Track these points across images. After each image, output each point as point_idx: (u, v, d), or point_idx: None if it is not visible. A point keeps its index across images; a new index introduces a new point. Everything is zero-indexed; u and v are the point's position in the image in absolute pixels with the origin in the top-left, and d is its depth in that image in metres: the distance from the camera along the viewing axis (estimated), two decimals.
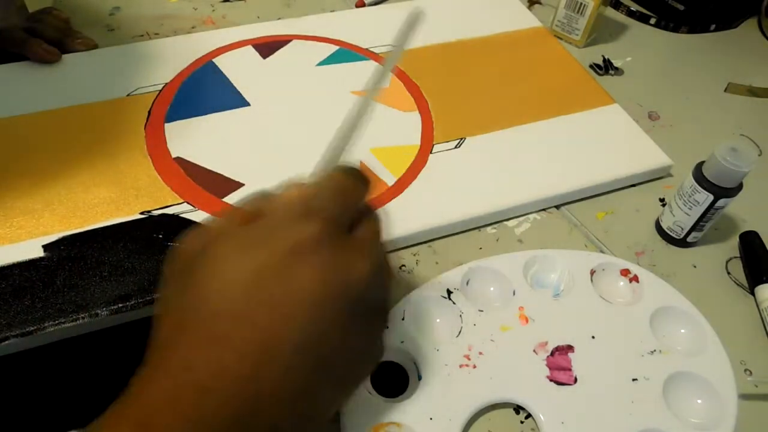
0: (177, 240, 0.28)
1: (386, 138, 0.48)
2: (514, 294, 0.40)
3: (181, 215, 0.41)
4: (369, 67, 0.54)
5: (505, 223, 0.45)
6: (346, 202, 0.28)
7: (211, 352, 0.25)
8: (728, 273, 0.45)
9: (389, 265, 0.31)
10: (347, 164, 0.30)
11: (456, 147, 0.49)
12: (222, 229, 0.27)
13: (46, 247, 0.39)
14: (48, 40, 0.51)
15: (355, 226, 0.29)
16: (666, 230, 0.45)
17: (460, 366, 0.36)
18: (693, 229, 0.44)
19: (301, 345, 0.25)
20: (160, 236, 0.40)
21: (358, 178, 0.29)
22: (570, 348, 0.38)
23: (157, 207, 0.42)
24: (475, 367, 0.36)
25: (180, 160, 0.45)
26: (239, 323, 0.25)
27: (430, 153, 0.48)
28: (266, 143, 0.47)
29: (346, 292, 0.27)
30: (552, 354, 0.37)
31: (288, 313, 0.25)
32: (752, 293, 0.43)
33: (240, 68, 0.53)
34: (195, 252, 0.27)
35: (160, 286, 0.28)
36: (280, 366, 0.25)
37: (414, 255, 0.43)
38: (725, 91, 0.60)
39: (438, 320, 0.38)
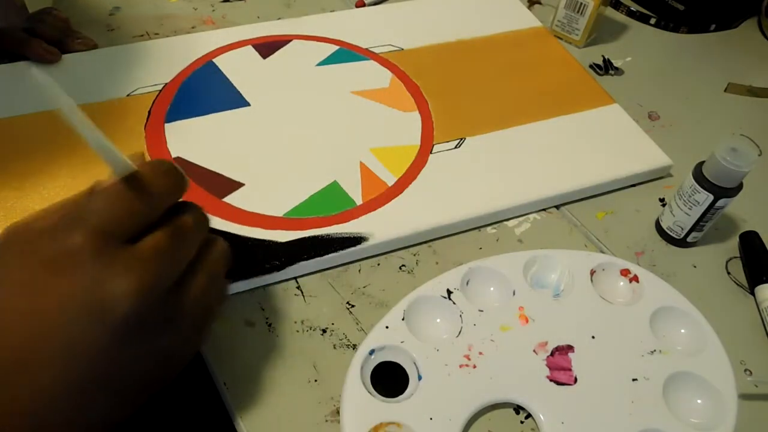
0: None
1: (386, 138, 0.49)
2: (514, 294, 0.40)
3: None
4: (369, 67, 0.55)
5: (505, 223, 0.45)
6: (119, 210, 0.26)
7: None
8: (728, 273, 0.45)
9: (206, 273, 0.29)
10: (135, 170, 0.27)
11: (456, 147, 0.49)
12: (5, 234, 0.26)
13: None
14: (48, 40, 0.51)
15: (141, 236, 0.27)
16: (666, 230, 0.45)
17: (460, 366, 0.36)
18: (693, 229, 0.44)
19: (62, 363, 0.24)
20: None
21: (137, 185, 0.27)
22: (570, 348, 0.38)
23: None
24: (475, 367, 0.36)
25: (180, 160, 0.45)
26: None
27: (430, 153, 0.48)
28: (266, 143, 0.47)
29: (107, 310, 0.25)
30: (552, 354, 0.37)
31: (44, 328, 0.24)
32: (752, 293, 0.43)
33: (240, 68, 0.53)
34: None
35: None
36: (40, 386, 0.24)
37: (414, 255, 0.43)
38: (725, 91, 0.60)
39: (438, 320, 0.38)
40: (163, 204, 0.28)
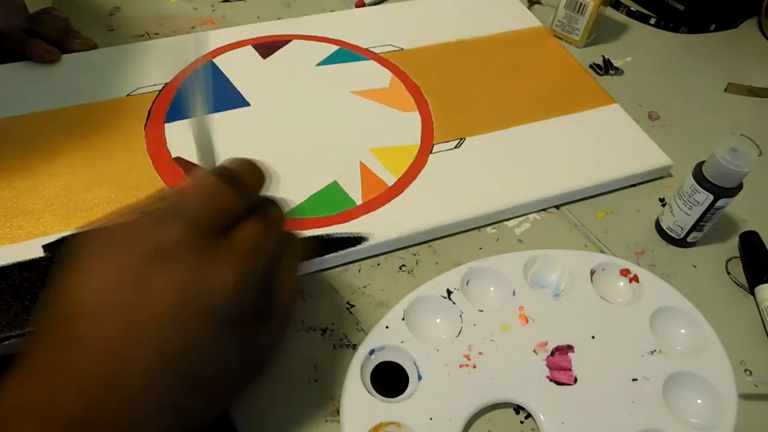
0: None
1: (386, 138, 0.49)
2: (514, 294, 0.40)
3: None
4: (369, 67, 0.55)
5: (505, 223, 0.45)
6: (214, 204, 0.27)
7: (65, 355, 0.24)
8: (728, 273, 0.45)
9: (288, 267, 0.30)
10: (223, 165, 0.28)
11: (456, 147, 0.49)
12: (96, 231, 0.26)
13: (46, 247, 0.39)
14: (48, 40, 0.51)
15: (232, 228, 0.27)
16: (666, 230, 0.45)
17: (460, 366, 0.36)
18: (693, 229, 0.44)
19: (159, 356, 0.25)
20: None
21: (230, 179, 0.27)
22: (570, 348, 0.38)
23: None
24: (475, 367, 0.36)
25: (180, 160, 0.45)
26: (92, 326, 0.24)
27: (430, 153, 0.48)
28: (266, 143, 0.47)
29: (206, 302, 0.25)
30: (552, 354, 0.37)
31: (142, 321, 0.24)
32: (752, 293, 0.43)
33: (240, 68, 0.53)
34: (76, 250, 0.26)
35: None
36: (137, 376, 0.24)
37: (414, 255, 0.43)
38: (725, 91, 0.60)
39: (438, 320, 0.38)
40: (252, 197, 0.29)
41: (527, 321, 0.39)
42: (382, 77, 0.54)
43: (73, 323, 0.24)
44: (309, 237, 0.32)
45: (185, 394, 0.26)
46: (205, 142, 0.27)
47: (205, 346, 0.26)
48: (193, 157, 0.45)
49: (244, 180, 0.28)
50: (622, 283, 0.42)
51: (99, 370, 0.24)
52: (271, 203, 0.30)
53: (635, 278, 0.41)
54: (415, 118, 0.51)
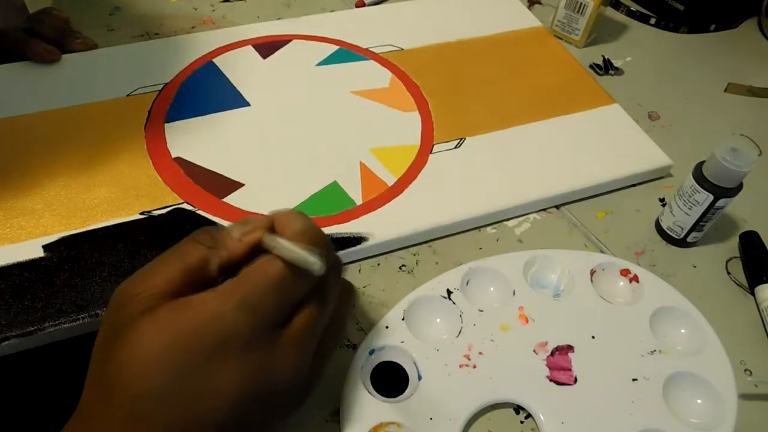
0: (121, 283, 0.27)
1: (386, 138, 0.48)
2: (514, 294, 0.40)
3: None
4: (369, 67, 0.54)
5: (505, 223, 0.45)
6: (281, 297, 0.27)
7: (134, 428, 0.25)
8: (728, 273, 0.45)
9: (334, 335, 0.30)
10: (294, 250, 0.27)
11: (456, 147, 0.49)
12: (153, 296, 0.26)
13: (46, 247, 0.39)
14: (48, 40, 0.51)
15: (294, 313, 0.28)
16: (666, 230, 0.45)
17: (460, 366, 0.36)
18: (693, 229, 0.44)
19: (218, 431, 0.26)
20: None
21: (298, 271, 0.27)
22: (570, 348, 0.38)
23: (157, 207, 0.42)
24: (475, 367, 0.36)
25: (180, 160, 0.45)
26: (159, 409, 0.25)
27: (430, 153, 0.48)
28: (266, 143, 0.47)
29: (266, 388, 0.27)
30: (552, 354, 0.37)
31: (208, 410, 0.25)
32: (752, 293, 0.43)
33: (240, 68, 0.53)
34: (130, 314, 0.26)
35: (100, 326, 0.27)
36: None
37: (414, 255, 0.43)
38: (725, 91, 0.60)
39: (438, 320, 0.38)
40: (315, 282, 0.28)
41: (527, 321, 0.39)
42: (382, 77, 0.54)
43: (139, 401, 0.25)
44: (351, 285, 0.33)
45: None
46: (293, 253, 0.27)
47: (257, 421, 0.27)
48: (194, 156, 0.45)
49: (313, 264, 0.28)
50: (622, 283, 0.42)
51: None
52: (332, 275, 0.30)
53: (635, 278, 0.41)
54: (415, 118, 0.51)
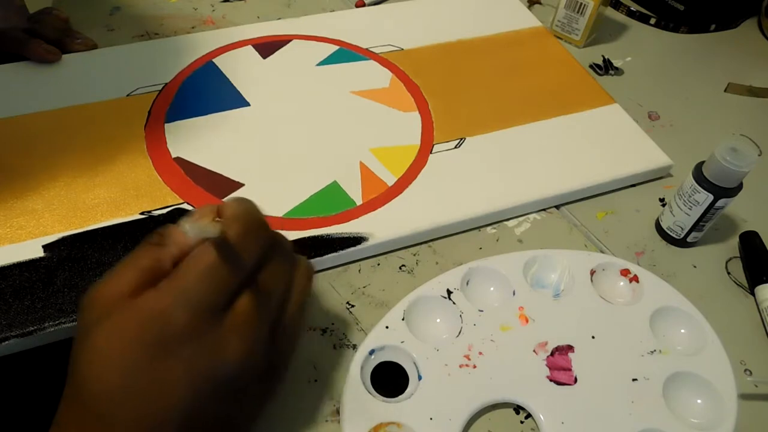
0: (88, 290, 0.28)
1: (386, 138, 0.49)
2: (514, 294, 0.40)
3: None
4: (369, 67, 0.55)
5: (505, 223, 0.45)
6: (215, 284, 0.27)
7: (99, 428, 0.26)
8: (728, 273, 0.45)
9: (286, 322, 0.30)
10: (221, 234, 0.27)
11: (456, 147, 0.49)
12: (109, 301, 0.27)
13: (46, 247, 0.39)
14: (48, 40, 0.51)
15: (235, 297, 0.28)
16: (666, 230, 0.45)
17: (460, 366, 0.36)
18: (693, 229, 0.44)
19: (181, 425, 0.27)
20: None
21: (228, 254, 0.27)
22: (570, 348, 0.38)
23: (157, 207, 0.42)
24: (475, 367, 0.36)
25: (180, 160, 0.45)
26: (116, 407, 0.26)
27: (430, 153, 0.48)
28: (266, 143, 0.47)
29: (218, 374, 0.27)
30: (552, 354, 0.37)
31: (160, 405, 0.26)
32: (752, 293, 0.43)
33: (240, 68, 0.53)
34: (89, 320, 0.27)
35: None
36: None
37: (414, 255, 0.43)
38: (725, 91, 0.60)
39: (438, 320, 0.38)
40: (253, 264, 0.29)
41: (527, 321, 0.39)
42: (382, 77, 0.54)
43: (99, 402, 0.26)
44: (305, 242, 0.32)
45: None
46: (195, 229, 0.27)
47: (216, 407, 0.28)
48: (194, 156, 0.45)
49: (244, 247, 0.28)
50: (622, 283, 0.42)
51: None
52: (275, 251, 0.30)
53: (635, 278, 0.41)
54: (415, 118, 0.51)
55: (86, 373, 0.26)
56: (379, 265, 0.42)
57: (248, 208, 0.30)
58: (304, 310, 0.32)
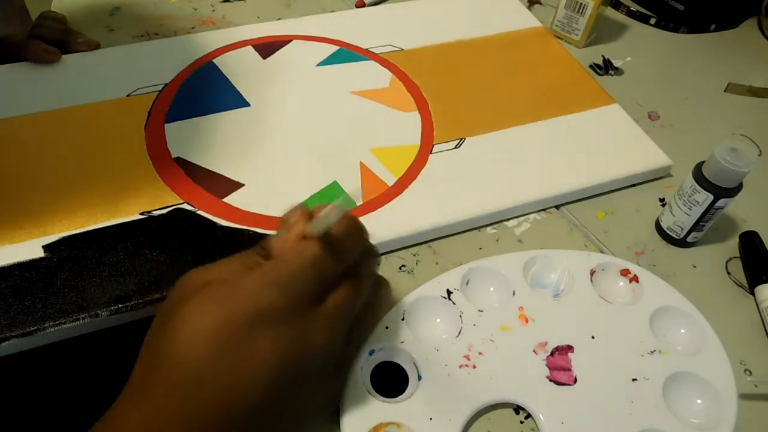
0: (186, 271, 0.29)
1: (386, 138, 0.49)
2: (513, 294, 0.40)
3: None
4: (369, 67, 0.55)
5: (505, 223, 0.45)
6: (316, 275, 0.29)
7: (175, 397, 0.26)
8: (728, 273, 0.45)
9: (366, 321, 0.32)
10: (327, 230, 0.29)
11: (456, 147, 0.49)
12: (206, 283, 0.28)
13: (46, 247, 0.39)
14: (49, 41, 0.51)
15: (328, 292, 0.30)
16: (666, 230, 0.45)
17: (460, 366, 0.36)
18: (693, 229, 0.44)
19: (257, 407, 0.27)
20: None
21: (332, 248, 0.29)
22: (570, 348, 0.38)
23: (157, 207, 0.42)
24: (475, 367, 0.36)
25: (180, 160, 0.45)
26: (200, 375, 0.26)
27: (430, 153, 0.48)
28: (266, 143, 0.47)
29: (301, 361, 0.28)
30: (552, 354, 0.37)
31: (247, 380, 0.27)
32: (752, 293, 0.43)
33: (240, 68, 0.53)
34: (183, 296, 0.28)
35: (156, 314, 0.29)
36: (237, 425, 0.27)
37: (414, 255, 0.43)
38: (725, 91, 0.60)
39: (438, 320, 0.38)
40: (348, 263, 0.30)
41: (527, 321, 0.39)
42: (382, 77, 0.54)
43: (184, 371, 0.26)
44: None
45: (271, 429, 0.29)
46: (328, 221, 0.29)
47: (293, 394, 0.29)
48: (194, 156, 0.45)
49: (345, 249, 0.30)
50: (621, 283, 0.42)
51: (205, 414, 0.26)
52: (367, 260, 0.32)
53: (635, 278, 0.41)
54: (415, 118, 0.51)
55: (173, 341, 0.27)
56: (379, 265, 0.42)
57: (347, 212, 0.31)
58: (374, 318, 0.34)
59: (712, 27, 0.67)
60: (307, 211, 0.31)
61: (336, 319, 0.30)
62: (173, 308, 0.28)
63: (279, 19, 0.59)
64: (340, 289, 0.30)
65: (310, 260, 0.29)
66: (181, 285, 0.29)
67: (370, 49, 0.56)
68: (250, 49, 0.55)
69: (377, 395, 0.35)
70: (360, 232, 0.31)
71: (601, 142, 0.50)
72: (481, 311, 0.39)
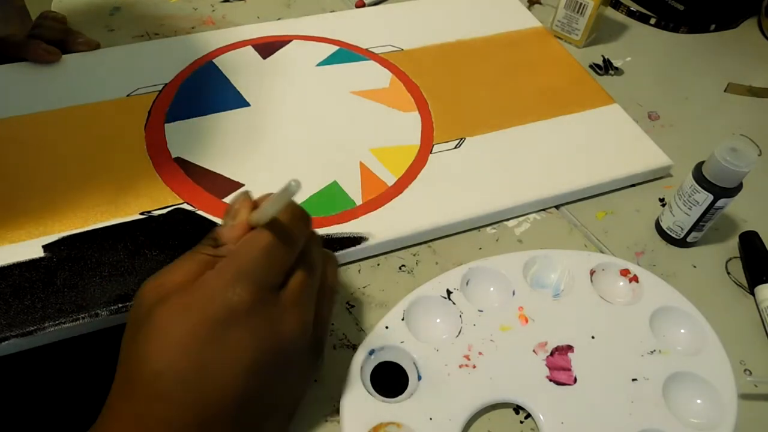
0: (144, 283, 0.29)
1: (386, 138, 0.49)
2: (513, 294, 0.40)
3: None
4: (369, 67, 0.55)
5: (505, 223, 0.45)
6: (273, 263, 0.29)
7: (156, 408, 0.26)
8: (728, 273, 0.45)
9: (327, 299, 0.33)
10: (275, 217, 0.29)
11: (456, 147, 0.49)
12: (168, 289, 0.28)
13: (46, 247, 0.39)
14: (49, 41, 0.51)
15: (287, 278, 0.30)
16: (666, 230, 0.45)
17: (460, 366, 0.36)
18: (693, 229, 0.44)
19: (242, 405, 0.27)
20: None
21: (283, 235, 0.29)
22: (570, 348, 0.38)
23: (157, 207, 0.42)
24: (475, 367, 0.36)
25: (180, 160, 0.45)
26: (180, 385, 0.26)
27: (430, 153, 0.48)
28: (266, 143, 0.47)
29: (279, 347, 0.28)
30: (552, 354, 0.37)
31: (228, 380, 0.27)
32: (752, 293, 0.43)
33: (240, 68, 0.53)
34: (148, 306, 0.28)
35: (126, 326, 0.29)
36: (223, 422, 0.27)
37: (414, 255, 0.43)
38: (725, 91, 0.60)
39: (438, 320, 0.38)
40: (299, 247, 0.30)
41: (527, 321, 0.39)
42: (382, 77, 0.54)
43: (161, 381, 0.26)
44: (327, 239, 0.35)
45: (260, 420, 0.29)
46: (275, 208, 0.28)
47: (275, 380, 0.29)
48: (194, 156, 0.45)
49: (294, 234, 0.30)
50: (621, 283, 0.42)
51: (188, 420, 0.26)
52: (313, 243, 0.32)
53: (635, 278, 0.41)
54: (415, 118, 0.51)
55: (146, 353, 0.26)
56: (379, 265, 0.42)
57: (292, 200, 0.31)
58: (334, 295, 0.34)
59: (712, 27, 0.67)
60: (249, 198, 0.31)
61: (302, 299, 0.30)
62: (140, 321, 0.27)
63: (279, 19, 0.59)
64: (297, 272, 0.30)
65: (264, 249, 0.28)
66: (142, 296, 0.28)
67: (370, 49, 0.56)
68: (250, 49, 0.55)
69: (377, 395, 0.35)
70: (305, 217, 0.31)
71: (601, 142, 0.50)
72: (481, 311, 0.39)
